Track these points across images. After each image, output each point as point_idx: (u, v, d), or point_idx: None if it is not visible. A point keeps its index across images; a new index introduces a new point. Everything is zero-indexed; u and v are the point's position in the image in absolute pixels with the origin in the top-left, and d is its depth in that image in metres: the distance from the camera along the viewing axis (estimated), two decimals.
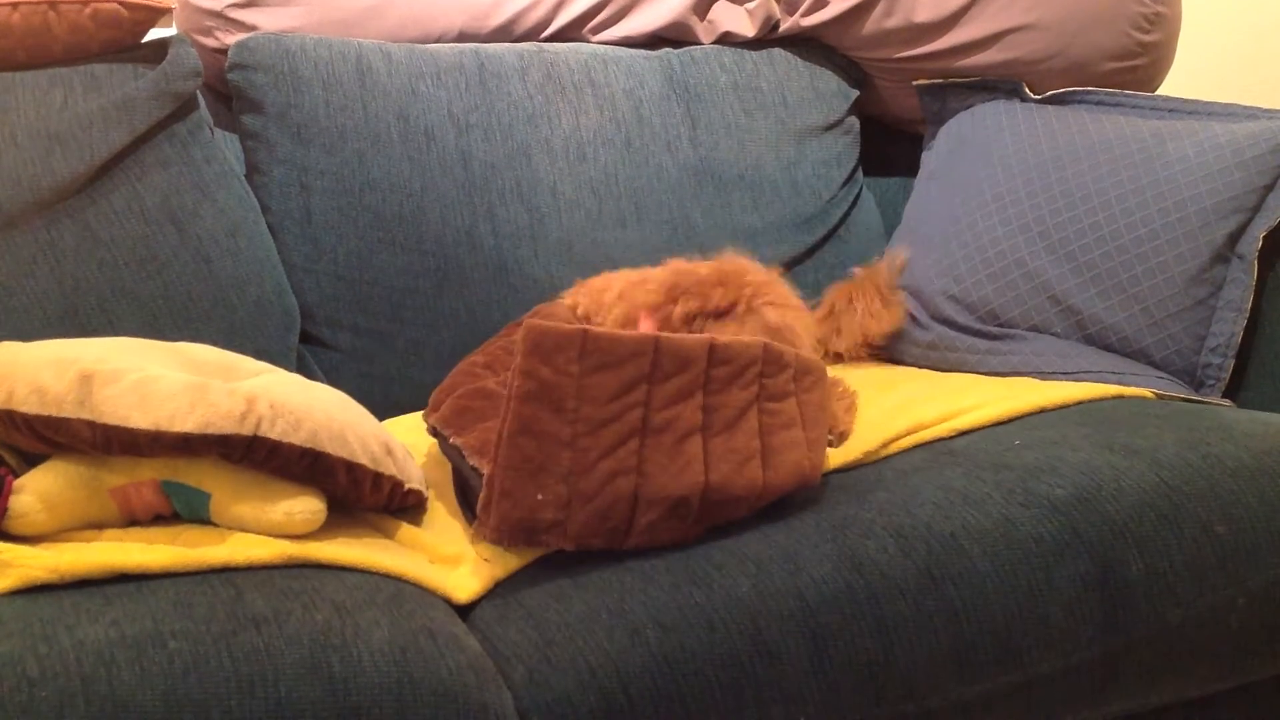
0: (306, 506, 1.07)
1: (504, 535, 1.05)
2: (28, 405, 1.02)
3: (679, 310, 1.40)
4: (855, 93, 1.92)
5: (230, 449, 1.03)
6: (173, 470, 1.07)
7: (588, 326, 1.08)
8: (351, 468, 1.10)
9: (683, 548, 1.08)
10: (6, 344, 1.11)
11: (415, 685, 0.91)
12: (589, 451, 1.05)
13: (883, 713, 1.04)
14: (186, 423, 1.02)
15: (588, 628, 1.00)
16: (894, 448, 1.27)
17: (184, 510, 1.09)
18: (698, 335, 1.12)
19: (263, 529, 1.06)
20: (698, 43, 1.89)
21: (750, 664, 0.99)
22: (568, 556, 1.08)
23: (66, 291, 1.39)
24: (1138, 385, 1.42)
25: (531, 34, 1.83)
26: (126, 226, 1.44)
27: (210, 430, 1.02)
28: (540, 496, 1.04)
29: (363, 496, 1.13)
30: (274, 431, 1.05)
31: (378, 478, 1.13)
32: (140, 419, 1.01)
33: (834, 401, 1.33)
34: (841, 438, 1.30)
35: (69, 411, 1.02)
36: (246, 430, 1.03)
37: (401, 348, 1.62)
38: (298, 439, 1.06)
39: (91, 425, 1.01)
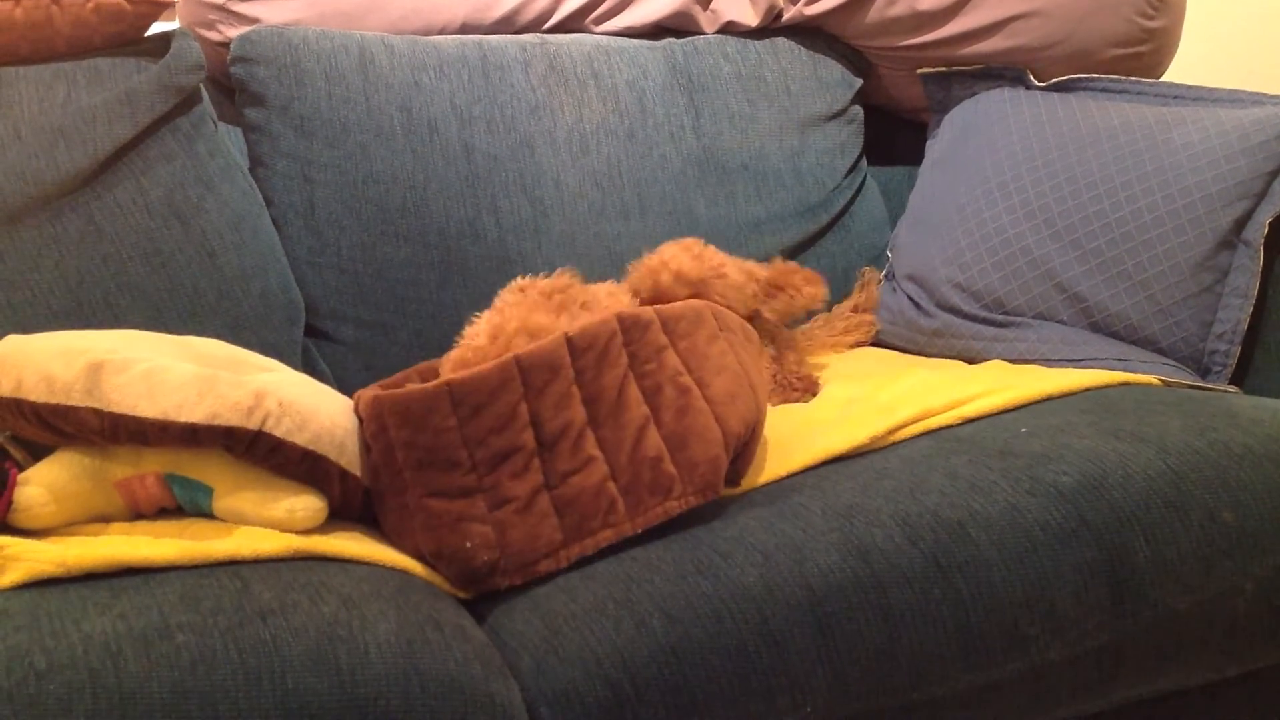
0: (308, 504, 1.07)
1: (459, 588, 1.08)
2: (36, 393, 1.02)
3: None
4: (859, 81, 1.91)
5: (235, 442, 1.04)
6: (176, 463, 1.07)
7: (450, 377, 1.10)
8: (346, 477, 1.10)
9: (688, 538, 1.08)
10: (15, 336, 1.11)
11: (422, 677, 0.91)
12: (499, 486, 1.08)
13: (889, 701, 1.04)
14: (194, 413, 1.02)
15: (594, 618, 1.00)
16: (900, 435, 1.27)
17: (186, 503, 1.09)
18: (552, 336, 1.14)
19: (264, 525, 1.06)
20: (701, 32, 1.89)
21: (756, 653, 0.99)
22: None
23: (71, 285, 1.39)
24: (1144, 372, 1.42)
25: (534, 25, 1.82)
26: (131, 220, 1.44)
27: (217, 422, 1.02)
28: (469, 544, 1.06)
29: (353, 507, 1.13)
30: (279, 429, 1.05)
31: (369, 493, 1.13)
32: (148, 408, 1.01)
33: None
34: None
35: (77, 400, 1.02)
36: (253, 425, 1.03)
37: (405, 340, 1.62)
38: (301, 439, 1.06)
39: (99, 414, 1.01)
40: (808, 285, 1.57)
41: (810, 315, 1.69)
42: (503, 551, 1.06)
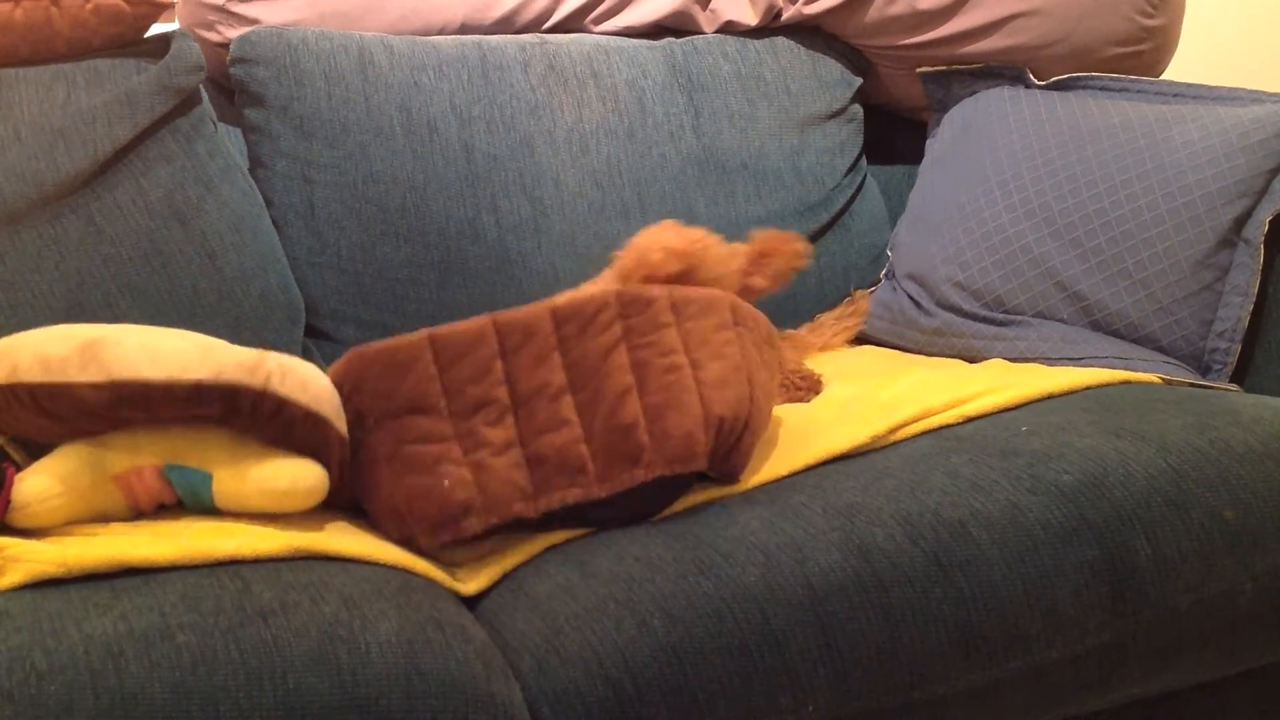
0: (310, 472, 1.07)
1: (433, 536, 1.09)
2: (31, 374, 1.02)
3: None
4: (859, 80, 1.91)
5: (240, 401, 1.04)
6: (173, 453, 1.07)
7: (431, 331, 1.14)
8: (344, 444, 1.10)
9: (689, 537, 1.08)
10: (12, 335, 1.11)
11: (423, 676, 0.91)
12: (475, 432, 1.11)
13: (890, 701, 1.04)
14: (199, 371, 1.02)
15: (595, 618, 1.00)
16: (901, 434, 1.26)
17: (186, 496, 1.09)
18: (537, 304, 1.18)
19: (266, 503, 1.06)
20: (700, 32, 1.89)
21: (758, 653, 0.99)
22: (573, 547, 1.08)
23: (71, 286, 1.39)
24: (1145, 370, 1.42)
25: (533, 25, 1.82)
26: (131, 221, 1.44)
27: (223, 378, 1.03)
28: (446, 482, 1.08)
29: (347, 486, 1.13)
30: (283, 388, 1.05)
31: None
32: (152, 371, 1.02)
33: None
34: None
35: (74, 375, 1.01)
36: (258, 382, 1.04)
37: None
38: (304, 399, 1.06)
39: (97, 387, 1.01)
40: (788, 244, 1.55)
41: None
42: (479, 490, 1.08)
